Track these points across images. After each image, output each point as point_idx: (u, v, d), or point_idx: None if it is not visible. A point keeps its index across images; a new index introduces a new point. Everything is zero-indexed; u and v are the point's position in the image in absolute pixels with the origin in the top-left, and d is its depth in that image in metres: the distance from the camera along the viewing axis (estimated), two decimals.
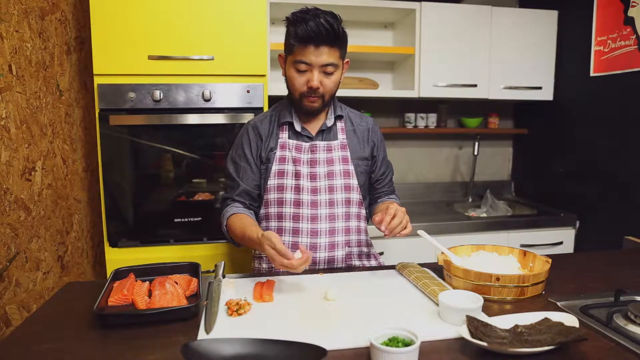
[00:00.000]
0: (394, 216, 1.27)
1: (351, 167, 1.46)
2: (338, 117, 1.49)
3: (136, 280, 1.20)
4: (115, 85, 1.88)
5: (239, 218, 1.39)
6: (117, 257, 1.96)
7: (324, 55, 1.31)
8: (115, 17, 1.85)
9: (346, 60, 1.43)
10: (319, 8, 1.33)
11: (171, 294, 1.12)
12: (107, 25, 1.85)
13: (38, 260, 1.76)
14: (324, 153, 1.44)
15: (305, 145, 1.44)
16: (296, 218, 1.42)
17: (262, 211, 1.48)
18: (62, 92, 1.94)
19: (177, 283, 1.17)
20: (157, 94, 1.90)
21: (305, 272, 1.37)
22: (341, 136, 1.48)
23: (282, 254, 1.14)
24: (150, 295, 1.14)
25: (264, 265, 1.50)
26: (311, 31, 1.27)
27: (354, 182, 1.46)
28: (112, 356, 0.90)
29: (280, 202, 1.43)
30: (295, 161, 1.43)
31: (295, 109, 1.46)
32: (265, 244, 1.17)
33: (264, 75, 2.01)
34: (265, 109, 2.01)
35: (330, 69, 1.34)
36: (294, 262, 1.13)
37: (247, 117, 1.97)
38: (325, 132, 1.47)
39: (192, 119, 1.95)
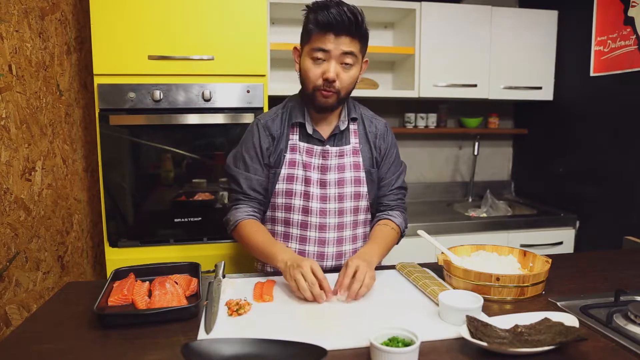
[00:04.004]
0: (353, 276, 1.14)
1: (362, 174, 1.40)
2: (352, 120, 1.42)
3: (136, 280, 1.20)
4: (115, 85, 1.88)
5: (259, 227, 1.34)
6: (117, 257, 1.96)
7: (344, 44, 1.24)
8: (115, 17, 1.85)
9: (365, 59, 1.36)
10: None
11: (171, 294, 1.12)
12: (107, 25, 1.85)
13: (38, 260, 1.76)
14: (336, 159, 1.38)
15: (317, 149, 1.37)
16: (304, 226, 1.38)
17: (269, 214, 1.43)
18: (62, 92, 1.94)
19: (177, 283, 1.17)
20: (157, 94, 1.90)
21: None
22: (354, 140, 1.41)
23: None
24: (150, 295, 1.14)
25: (268, 269, 1.46)
26: (332, 18, 1.20)
27: (363, 189, 1.40)
28: (112, 356, 0.90)
29: (288, 208, 1.38)
30: (306, 166, 1.37)
31: (307, 107, 1.38)
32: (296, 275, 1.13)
33: (264, 75, 2.01)
34: (266, 109, 2.01)
35: (349, 59, 1.26)
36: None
37: (247, 117, 1.97)
38: (337, 136, 1.40)
39: (192, 119, 1.95)
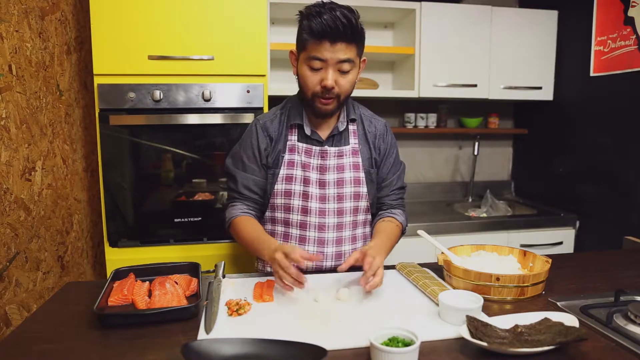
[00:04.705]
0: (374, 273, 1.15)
1: (362, 175, 1.40)
2: (351, 120, 1.41)
3: (136, 280, 1.20)
4: (115, 85, 1.88)
5: (251, 223, 1.35)
6: (117, 257, 1.96)
7: (340, 51, 1.22)
8: (115, 17, 1.85)
9: (363, 58, 1.35)
10: (335, 2, 1.24)
11: (171, 294, 1.12)
12: (107, 25, 1.85)
13: (38, 260, 1.76)
14: (335, 159, 1.37)
15: (316, 149, 1.37)
16: (303, 226, 1.38)
17: (268, 214, 1.44)
18: (62, 92, 1.94)
19: (177, 283, 1.17)
20: (157, 94, 1.90)
21: (305, 273, 1.37)
22: (353, 140, 1.41)
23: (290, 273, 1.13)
24: (150, 295, 1.14)
25: (268, 268, 1.46)
26: (327, 25, 1.18)
27: (363, 189, 1.40)
28: (112, 356, 0.90)
29: (287, 208, 1.38)
30: (305, 166, 1.37)
31: (306, 110, 1.38)
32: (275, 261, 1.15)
33: (264, 75, 2.01)
34: (266, 109, 2.01)
35: (346, 66, 1.25)
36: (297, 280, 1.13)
37: (247, 117, 1.97)
38: (336, 137, 1.39)
39: (192, 119, 1.95)
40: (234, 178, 1.42)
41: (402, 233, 1.49)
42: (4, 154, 1.57)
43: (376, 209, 1.50)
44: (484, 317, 0.99)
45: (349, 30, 1.21)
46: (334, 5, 1.22)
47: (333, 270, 1.38)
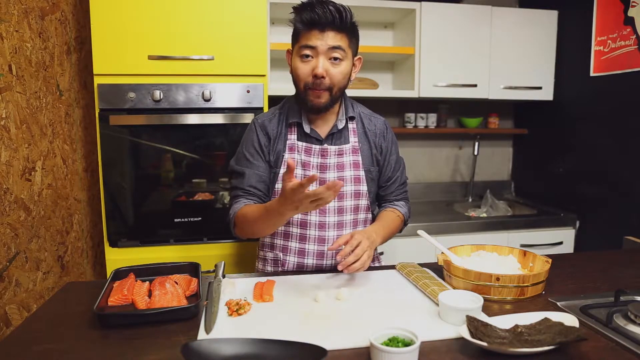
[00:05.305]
0: (353, 249, 1.17)
1: (362, 173, 1.41)
2: (350, 118, 1.42)
3: (136, 280, 1.20)
4: (115, 85, 1.88)
5: (254, 205, 1.32)
6: (117, 257, 1.96)
7: (330, 38, 1.24)
8: (115, 17, 1.85)
9: (358, 57, 1.36)
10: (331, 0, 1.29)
11: (171, 294, 1.12)
12: (107, 25, 1.85)
13: (38, 260, 1.76)
14: (335, 158, 1.38)
15: (315, 147, 1.38)
16: (304, 225, 1.39)
17: None
18: (62, 92, 1.94)
19: (177, 283, 1.17)
20: (157, 94, 1.90)
21: (305, 272, 1.37)
22: (353, 139, 1.41)
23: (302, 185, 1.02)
24: (150, 295, 1.14)
25: (268, 268, 1.47)
26: (316, 14, 1.23)
27: (363, 188, 1.41)
28: (112, 356, 0.90)
29: None
30: (305, 165, 1.37)
31: (303, 108, 1.39)
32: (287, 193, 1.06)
33: (264, 75, 2.01)
34: (265, 109, 2.01)
35: (337, 53, 1.26)
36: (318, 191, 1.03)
37: (247, 117, 1.97)
38: (336, 135, 1.40)
39: (192, 119, 1.95)
40: (238, 175, 1.42)
41: (405, 224, 1.52)
42: (4, 154, 1.57)
43: (380, 204, 1.53)
44: (484, 317, 0.99)
45: (338, 19, 1.24)
46: (326, 0, 1.26)
47: (333, 269, 1.39)
